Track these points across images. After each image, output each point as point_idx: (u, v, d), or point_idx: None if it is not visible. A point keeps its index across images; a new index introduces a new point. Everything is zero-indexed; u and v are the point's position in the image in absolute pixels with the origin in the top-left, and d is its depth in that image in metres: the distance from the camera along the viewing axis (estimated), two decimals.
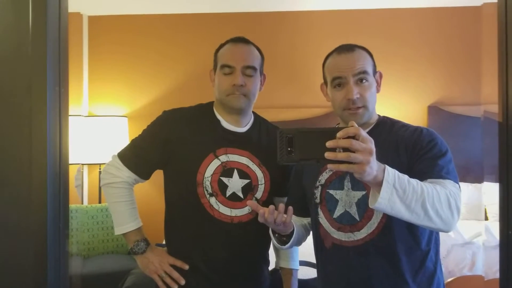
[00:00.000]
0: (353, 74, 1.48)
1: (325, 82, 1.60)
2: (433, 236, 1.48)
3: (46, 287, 0.80)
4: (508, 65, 0.91)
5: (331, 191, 1.52)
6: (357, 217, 1.46)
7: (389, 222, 1.42)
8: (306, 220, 1.69)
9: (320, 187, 1.55)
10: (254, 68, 1.69)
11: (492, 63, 1.09)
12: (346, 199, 1.49)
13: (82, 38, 4.35)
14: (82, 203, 4.27)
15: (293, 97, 4.40)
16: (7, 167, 0.80)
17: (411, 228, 1.42)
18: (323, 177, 1.55)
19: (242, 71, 1.67)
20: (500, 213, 0.95)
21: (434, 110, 4.33)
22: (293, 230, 1.53)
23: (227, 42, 1.75)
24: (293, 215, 1.60)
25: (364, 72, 1.49)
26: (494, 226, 3.03)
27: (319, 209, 1.55)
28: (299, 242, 1.64)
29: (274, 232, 1.56)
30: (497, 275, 1.02)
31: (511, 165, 0.91)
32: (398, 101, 4.32)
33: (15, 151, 0.78)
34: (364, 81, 1.49)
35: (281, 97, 4.35)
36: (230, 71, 1.67)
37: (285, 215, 1.42)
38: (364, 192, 1.45)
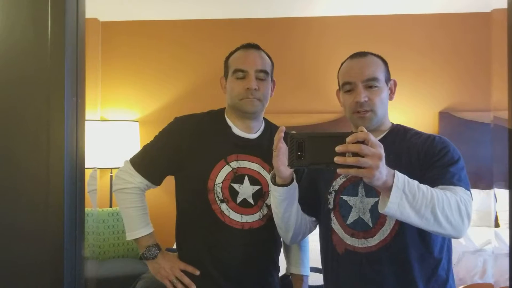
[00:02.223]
0: (362, 80, 1.50)
1: (339, 88, 1.61)
2: (445, 244, 1.49)
3: None
4: None
5: (345, 197, 1.53)
6: (370, 223, 1.46)
7: (402, 229, 1.42)
8: (308, 217, 1.66)
9: (333, 193, 1.56)
10: (266, 72, 1.71)
11: (502, 69, 1.09)
12: (360, 205, 1.49)
13: (99, 44, 4.40)
14: (98, 208, 4.30)
15: (304, 102, 4.41)
16: (25, 176, 0.81)
17: (423, 236, 1.42)
18: (337, 183, 1.56)
19: (255, 75, 1.68)
20: (510, 220, 0.95)
21: (445, 116, 4.30)
22: (293, 182, 1.51)
23: (237, 49, 1.77)
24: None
25: (374, 78, 1.50)
26: (505, 233, 3.01)
27: (332, 215, 1.55)
28: (290, 212, 1.56)
29: (273, 177, 1.53)
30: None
31: None
32: (409, 108, 4.31)
33: (33, 160, 0.80)
34: (373, 86, 1.50)
35: (292, 102, 4.36)
36: (243, 75, 1.69)
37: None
38: (377, 199, 1.45)
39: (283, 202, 1.51)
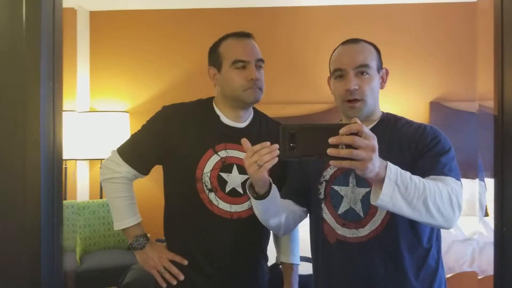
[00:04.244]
0: (353, 67, 1.48)
1: (330, 75, 1.60)
2: (434, 233, 1.49)
3: (39, 283, 0.80)
4: (504, 60, 0.91)
5: (336, 187, 1.52)
6: (361, 213, 1.46)
7: (393, 219, 1.42)
8: (298, 208, 1.63)
9: (324, 183, 1.55)
10: (263, 61, 1.70)
11: (487, 58, 1.09)
12: (351, 195, 1.48)
13: (76, 34, 4.34)
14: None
15: (295, 93, 4.40)
16: (0, 162, 0.80)
17: (414, 225, 1.43)
18: (328, 173, 1.55)
19: (255, 64, 1.67)
20: (494, 209, 0.95)
21: (436, 106, 4.31)
22: (269, 191, 1.42)
23: (226, 37, 1.73)
24: (287, 199, 1.60)
25: (365, 65, 1.48)
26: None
27: (323, 205, 1.54)
28: (277, 215, 1.51)
29: (250, 186, 1.45)
30: None
31: (506, 160, 0.91)
32: (400, 97, 4.31)
33: (9, 146, 0.79)
34: (364, 74, 1.48)
35: (282, 93, 4.35)
36: (244, 65, 1.66)
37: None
38: (368, 189, 1.44)
39: (268, 209, 1.48)
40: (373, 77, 1.50)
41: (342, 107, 1.52)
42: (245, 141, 1.37)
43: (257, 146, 1.32)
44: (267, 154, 1.30)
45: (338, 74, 1.51)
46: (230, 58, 1.68)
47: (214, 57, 1.74)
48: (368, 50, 1.53)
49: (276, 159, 1.33)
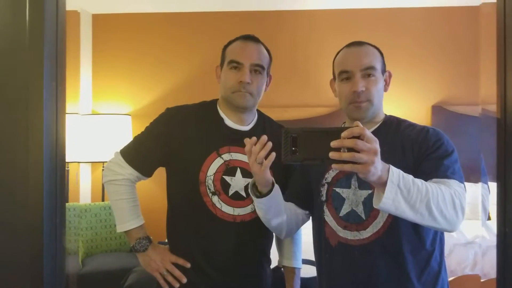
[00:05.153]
0: (360, 69, 1.48)
1: (334, 77, 1.60)
2: (437, 236, 1.48)
3: (42, 284, 0.80)
4: (507, 64, 0.91)
5: (338, 190, 1.52)
6: (363, 216, 1.45)
7: (395, 221, 1.41)
8: (300, 210, 1.64)
9: (326, 185, 1.55)
10: (262, 67, 1.69)
11: (490, 62, 1.09)
12: (353, 198, 1.48)
13: (80, 37, 4.35)
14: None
15: (297, 96, 4.40)
16: (3, 163, 0.80)
17: (417, 228, 1.42)
18: (330, 175, 1.55)
19: (250, 68, 1.66)
20: (497, 212, 0.96)
21: (438, 110, 4.31)
22: (271, 190, 1.47)
23: (237, 39, 1.74)
24: (289, 202, 1.60)
25: (372, 67, 1.49)
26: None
27: (324, 207, 1.54)
28: (279, 215, 1.54)
29: (253, 186, 1.50)
30: None
31: (509, 163, 0.91)
32: (402, 101, 4.31)
33: (12, 147, 0.79)
34: (371, 76, 1.49)
35: (285, 96, 4.35)
36: (238, 67, 1.66)
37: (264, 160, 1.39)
38: (370, 191, 1.45)
39: (270, 209, 1.50)
40: (378, 79, 1.50)
41: (348, 109, 1.52)
42: (246, 141, 1.43)
43: (257, 146, 1.39)
44: (262, 150, 1.38)
45: (344, 76, 1.51)
46: (228, 58, 1.69)
47: (221, 56, 1.76)
48: (373, 53, 1.53)
49: (274, 155, 1.38)
